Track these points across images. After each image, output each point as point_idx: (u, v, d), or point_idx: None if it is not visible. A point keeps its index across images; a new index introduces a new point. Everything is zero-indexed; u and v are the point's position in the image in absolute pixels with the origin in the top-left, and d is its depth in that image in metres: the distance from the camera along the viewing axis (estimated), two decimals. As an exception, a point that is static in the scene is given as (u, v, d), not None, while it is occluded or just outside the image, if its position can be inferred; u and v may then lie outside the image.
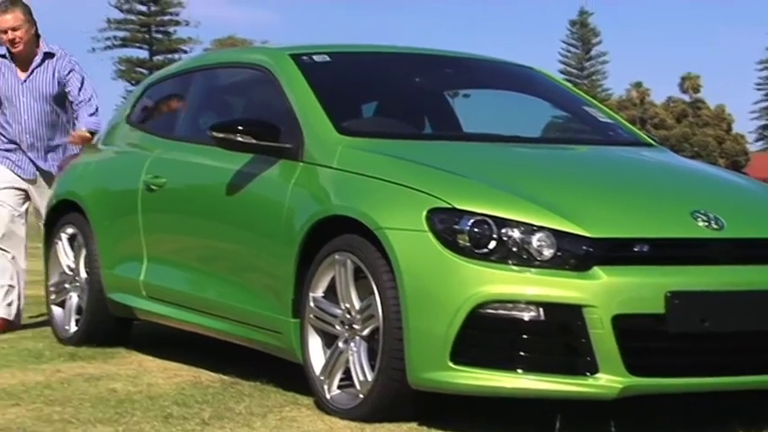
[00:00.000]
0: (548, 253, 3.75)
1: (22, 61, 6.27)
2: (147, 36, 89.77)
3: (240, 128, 4.56)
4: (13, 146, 6.31)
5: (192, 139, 5.37)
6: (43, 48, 6.29)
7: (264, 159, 4.62)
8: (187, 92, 5.70)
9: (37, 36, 6.29)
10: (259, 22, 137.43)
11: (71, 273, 5.95)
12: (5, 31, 6.20)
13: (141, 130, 5.85)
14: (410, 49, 5.59)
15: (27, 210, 6.44)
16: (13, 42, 6.19)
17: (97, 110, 6.38)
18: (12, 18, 6.19)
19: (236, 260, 4.81)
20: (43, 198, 6.31)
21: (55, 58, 6.29)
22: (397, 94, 5.29)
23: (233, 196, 4.76)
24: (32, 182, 6.35)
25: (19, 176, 6.31)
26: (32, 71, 6.27)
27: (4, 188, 6.29)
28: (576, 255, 3.74)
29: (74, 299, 5.90)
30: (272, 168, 4.59)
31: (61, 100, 6.33)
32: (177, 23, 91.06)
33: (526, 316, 3.72)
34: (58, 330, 5.93)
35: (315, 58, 5.04)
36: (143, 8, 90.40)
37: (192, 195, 5.18)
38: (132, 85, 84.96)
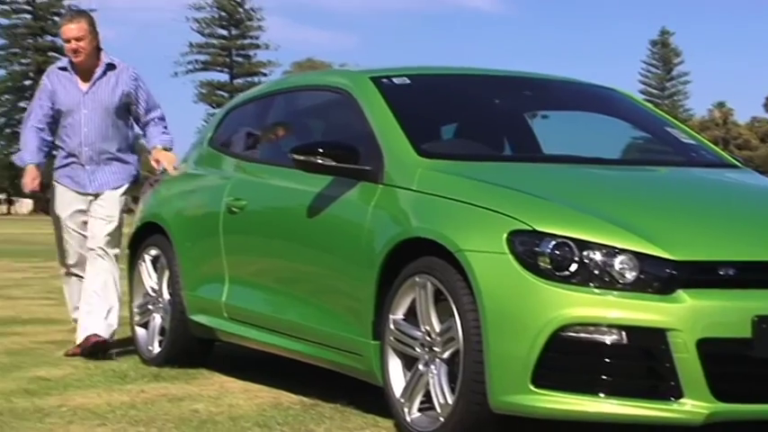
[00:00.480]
0: (630, 276, 3.70)
1: (84, 72, 6.18)
2: (227, 60, 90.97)
3: (321, 150, 4.59)
4: (71, 159, 6.20)
5: (272, 162, 5.43)
6: (105, 59, 6.21)
7: (344, 181, 4.64)
8: (268, 115, 5.76)
9: (98, 48, 6.22)
10: (338, 45, 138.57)
11: (154, 294, 6.03)
12: (69, 41, 6.13)
13: (223, 153, 5.92)
14: (490, 71, 5.58)
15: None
16: (75, 52, 6.12)
17: (167, 128, 6.33)
18: (76, 28, 6.12)
19: (317, 282, 4.84)
20: (98, 211, 6.16)
21: (117, 70, 6.21)
22: (476, 115, 5.28)
23: (313, 218, 4.78)
24: (91, 195, 6.20)
25: (78, 193, 6.20)
26: (94, 82, 6.17)
27: (70, 214, 6.21)
28: (660, 278, 3.70)
29: (157, 320, 5.98)
30: (351, 190, 4.61)
31: (122, 112, 6.22)
32: (257, 47, 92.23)
33: (608, 339, 3.67)
34: (142, 351, 6.01)
35: (395, 80, 5.06)
36: (224, 32, 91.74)
37: (272, 217, 5.22)
38: (213, 107, 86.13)
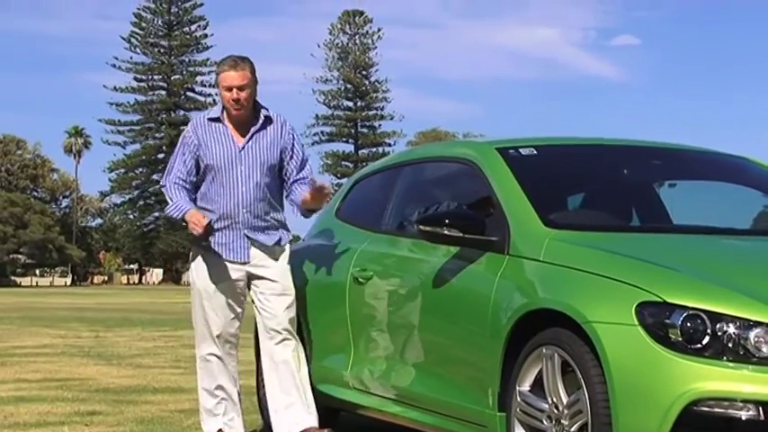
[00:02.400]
0: (766, 349, 3.60)
1: (239, 125, 5.50)
2: (352, 131, 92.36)
3: (447, 221, 4.60)
4: (223, 223, 5.43)
5: (398, 233, 5.46)
6: (262, 112, 5.55)
7: (470, 252, 4.64)
8: (394, 186, 5.79)
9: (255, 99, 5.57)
10: (461, 114, 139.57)
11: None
12: (230, 89, 5.42)
13: (349, 224, 5.97)
14: (617, 141, 5.54)
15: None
16: (237, 103, 5.42)
17: None
18: (240, 76, 5.41)
19: (441, 352, 4.82)
20: (272, 286, 5.49)
21: (274, 124, 5.55)
22: (603, 185, 5.24)
23: (439, 289, 4.78)
24: (248, 264, 5.48)
25: (231, 262, 5.46)
26: (252, 137, 5.48)
27: (219, 286, 5.44)
28: (798, 351, 3.58)
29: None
30: (477, 261, 4.60)
31: (277, 170, 5.56)
32: (382, 118, 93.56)
33: (744, 415, 3.57)
34: (269, 419, 6.04)
35: (521, 151, 5.06)
36: (350, 104, 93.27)
37: (397, 288, 5.23)
38: (338, 178, 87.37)
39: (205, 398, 5.49)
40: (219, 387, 5.47)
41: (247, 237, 5.45)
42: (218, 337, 5.45)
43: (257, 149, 5.47)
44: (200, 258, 5.50)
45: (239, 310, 5.52)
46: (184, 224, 5.37)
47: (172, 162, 5.57)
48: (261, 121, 5.52)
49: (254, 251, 5.47)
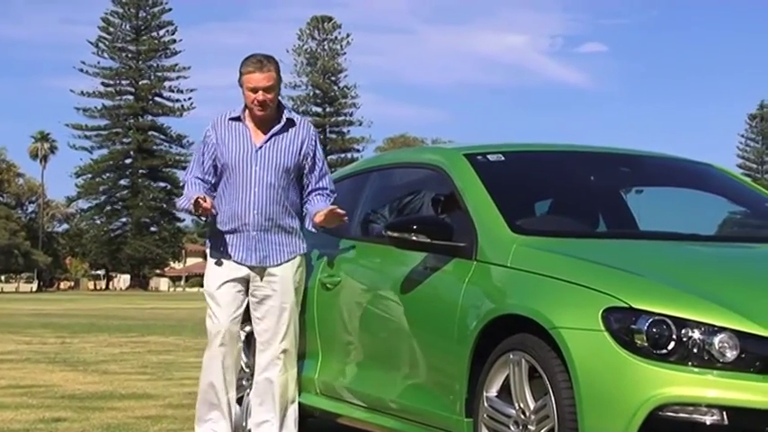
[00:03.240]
0: (730, 355, 3.63)
1: (260, 125, 5.33)
2: (321, 136, 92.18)
3: (415, 227, 4.61)
4: (233, 224, 5.30)
5: (366, 238, 5.46)
6: (285, 113, 5.39)
7: (438, 258, 4.65)
8: (363, 191, 5.79)
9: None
10: (429, 120, 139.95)
11: (248, 370, 6.05)
12: (256, 91, 5.26)
13: (317, 229, 5.95)
14: (584, 148, 5.57)
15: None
16: (262, 105, 5.26)
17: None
18: (266, 77, 5.24)
19: (409, 358, 4.82)
20: (271, 297, 5.32)
21: (297, 127, 5.38)
22: (571, 192, 5.26)
23: (406, 294, 4.79)
24: (255, 268, 5.32)
25: (237, 263, 5.32)
26: (271, 137, 5.32)
27: (222, 286, 5.31)
28: (762, 357, 3.61)
29: (251, 396, 5.99)
30: (445, 267, 4.62)
31: (294, 176, 5.38)
32: (351, 123, 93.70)
33: (708, 420, 3.59)
34: (236, 426, 6.02)
35: (489, 157, 5.08)
36: (318, 109, 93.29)
37: (365, 294, 5.24)
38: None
39: (198, 398, 5.45)
40: (211, 389, 5.38)
41: (255, 240, 5.28)
42: (219, 334, 5.30)
43: (275, 151, 5.31)
44: (212, 259, 5.38)
45: (240, 311, 5.35)
46: (198, 213, 5.23)
47: (192, 161, 5.49)
48: (283, 123, 5.35)
49: (259, 255, 5.30)
